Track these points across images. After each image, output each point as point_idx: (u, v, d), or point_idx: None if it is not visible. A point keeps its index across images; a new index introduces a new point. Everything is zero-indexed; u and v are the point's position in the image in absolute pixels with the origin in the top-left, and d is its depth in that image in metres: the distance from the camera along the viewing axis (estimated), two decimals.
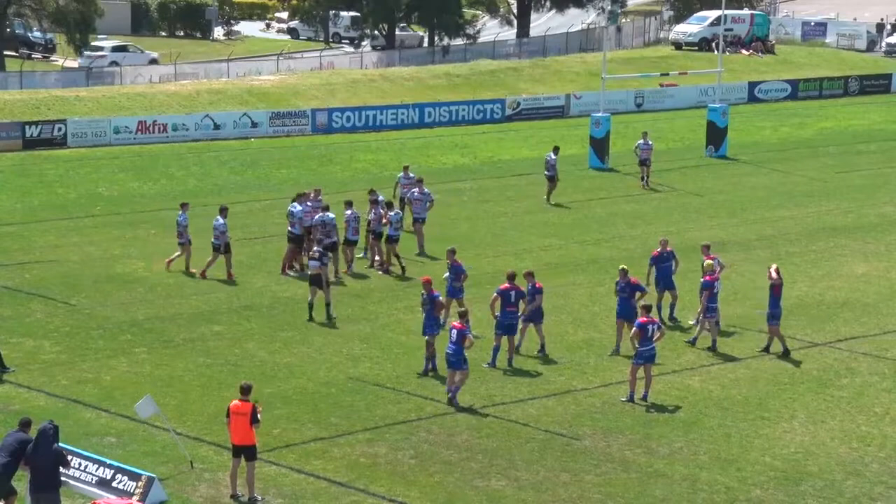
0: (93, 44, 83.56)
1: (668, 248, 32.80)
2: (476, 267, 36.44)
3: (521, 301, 29.15)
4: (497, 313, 29.17)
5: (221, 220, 36.09)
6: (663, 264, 32.56)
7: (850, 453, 25.07)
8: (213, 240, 36.32)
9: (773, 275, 30.43)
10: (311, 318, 32.36)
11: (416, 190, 39.99)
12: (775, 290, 30.33)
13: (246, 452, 22.29)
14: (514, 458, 24.40)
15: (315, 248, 33.12)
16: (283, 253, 37.46)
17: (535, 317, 29.77)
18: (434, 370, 28.64)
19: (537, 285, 29.64)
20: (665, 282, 32.53)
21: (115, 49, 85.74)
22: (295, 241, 36.89)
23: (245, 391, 22.34)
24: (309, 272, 33.10)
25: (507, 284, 29.33)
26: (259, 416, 22.28)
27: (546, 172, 48.26)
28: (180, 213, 37.07)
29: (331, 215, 36.52)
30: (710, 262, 31.47)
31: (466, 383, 27.27)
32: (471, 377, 28.30)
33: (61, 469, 20.86)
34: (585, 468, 24.05)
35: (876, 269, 39.05)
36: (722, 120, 59.05)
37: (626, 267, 30.43)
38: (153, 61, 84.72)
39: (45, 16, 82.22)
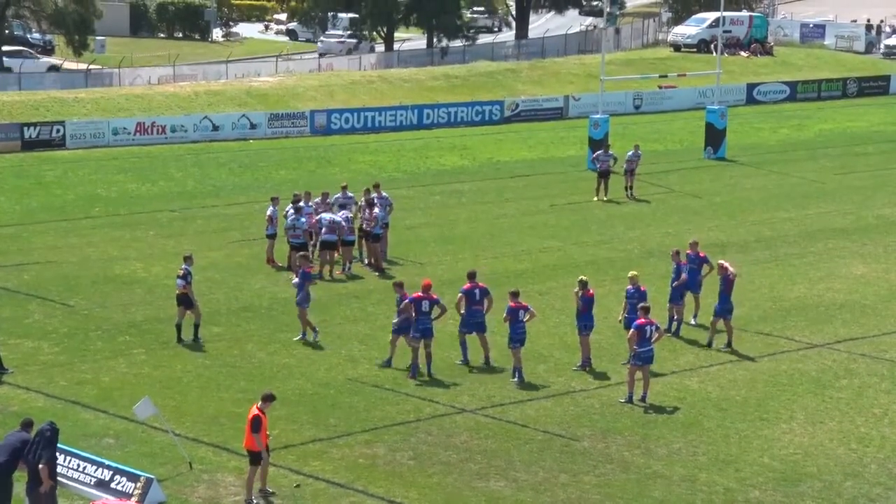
0: None
1: (702, 253, 32.60)
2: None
3: (485, 299, 29.18)
4: (462, 311, 29.31)
5: (346, 214, 37.02)
6: (692, 266, 32.38)
7: (848, 454, 25.07)
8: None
9: (731, 269, 31.01)
10: (179, 340, 30.57)
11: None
12: (728, 283, 30.75)
13: (249, 456, 22.35)
14: (513, 459, 24.39)
15: (183, 266, 30.82)
16: (287, 255, 37.35)
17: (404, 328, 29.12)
18: (430, 373, 28.70)
19: (405, 296, 29.17)
20: (690, 286, 32.14)
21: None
22: (298, 248, 36.60)
23: (264, 399, 22.29)
24: (177, 291, 30.95)
25: (469, 284, 29.39)
26: (258, 425, 22.01)
27: (624, 167, 49.14)
28: (271, 206, 37.93)
29: (335, 216, 36.76)
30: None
31: (463, 385, 27.27)
32: (468, 379, 28.45)
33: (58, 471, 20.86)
34: (584, 469, 24.05)
35: (874, 270, 39.05)
36: (720, 121, 59.07)
37: (585, 278, 30.25)
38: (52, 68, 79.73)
39: (43, 17, 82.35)
